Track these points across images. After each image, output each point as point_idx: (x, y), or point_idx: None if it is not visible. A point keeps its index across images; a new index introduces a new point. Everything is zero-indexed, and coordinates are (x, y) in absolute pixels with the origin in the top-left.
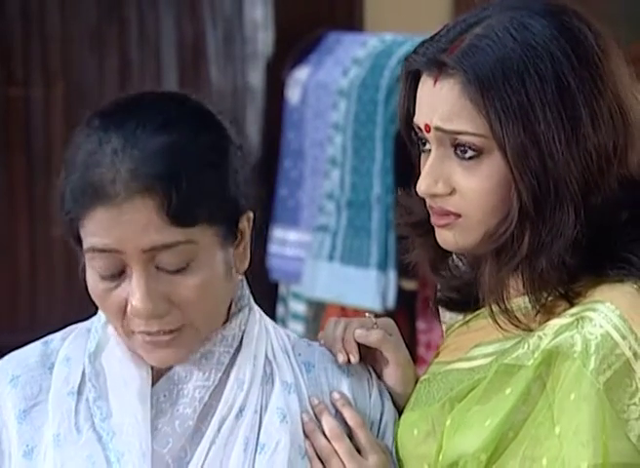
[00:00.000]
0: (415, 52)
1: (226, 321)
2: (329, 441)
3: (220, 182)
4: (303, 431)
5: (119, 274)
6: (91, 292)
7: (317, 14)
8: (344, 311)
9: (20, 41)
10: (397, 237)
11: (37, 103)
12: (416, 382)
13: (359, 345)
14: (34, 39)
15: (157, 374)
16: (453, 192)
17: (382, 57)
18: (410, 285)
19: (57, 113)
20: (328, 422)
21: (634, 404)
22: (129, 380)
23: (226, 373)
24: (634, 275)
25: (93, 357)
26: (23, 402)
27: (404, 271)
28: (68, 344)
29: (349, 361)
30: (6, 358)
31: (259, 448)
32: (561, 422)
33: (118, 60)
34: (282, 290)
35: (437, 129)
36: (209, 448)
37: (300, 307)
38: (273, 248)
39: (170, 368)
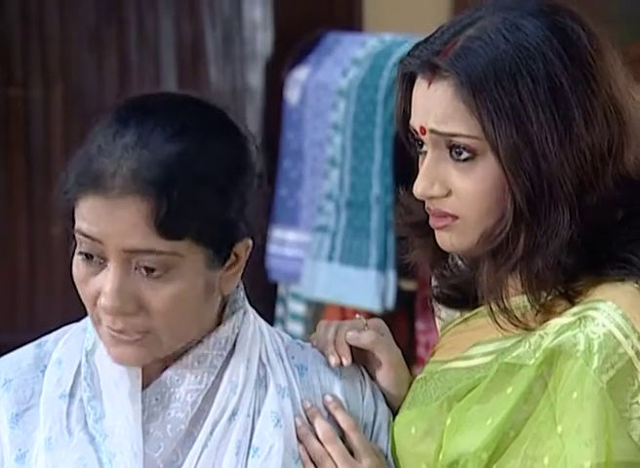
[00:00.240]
0: (409, 54)
1: (219, 323)
2: (322, 444)
3: (218, 203)
4: (297, 435)
5: (101, 260)
6: (74, 276)
7: (316, 14)
8: (344, 311)
9: (20, 42)
10: (396, 237)
11: (36, 104)
12: (412, 382)
13: (351, 347)
14: (33, 40)
15: (149, 377)
16: (449, 194)
17: (382, 57)
18: (409, 285)
19: (56, 114)
20: (321, 425)
21: (637, 402)
22: (119, 381)
23: (219, 377)
24: (635, 274)
25: (89, 355)
26: (16, 406)
27: (403, 271)
28: (62, 346)
29: (342, 363)
30: None
31: (251, 452)
32: (563, 421)
33: (117, 61)
34: (281, 290)
35: (432, 131)
36: (201, 452)
37: (299, 307)
38: (272, 248)
39: (162, 370)
